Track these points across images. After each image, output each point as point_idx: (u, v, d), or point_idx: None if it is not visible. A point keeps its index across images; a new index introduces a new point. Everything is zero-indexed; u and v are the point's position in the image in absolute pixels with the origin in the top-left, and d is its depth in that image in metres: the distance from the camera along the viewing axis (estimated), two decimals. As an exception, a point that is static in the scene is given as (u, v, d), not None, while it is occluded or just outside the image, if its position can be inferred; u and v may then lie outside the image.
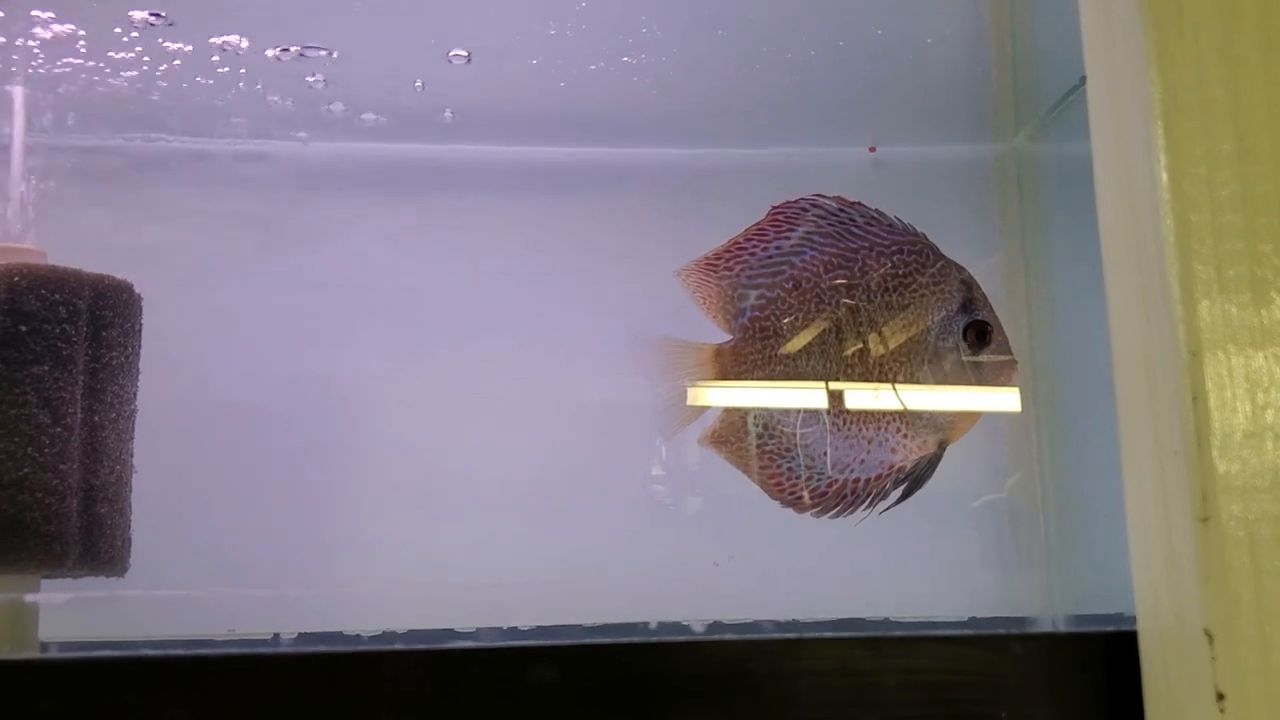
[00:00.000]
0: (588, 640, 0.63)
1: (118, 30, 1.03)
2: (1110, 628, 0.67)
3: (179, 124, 1.14)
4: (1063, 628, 1.07)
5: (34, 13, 0.99)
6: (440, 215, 1.18)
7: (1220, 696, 0.55)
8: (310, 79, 1.10)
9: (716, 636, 0.65)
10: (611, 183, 1.17)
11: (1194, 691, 0.56)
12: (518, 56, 1.07)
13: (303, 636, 1.09)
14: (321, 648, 0.65)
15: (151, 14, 1.00)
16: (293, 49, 1.06)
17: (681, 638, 0.68)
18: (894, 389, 1.01)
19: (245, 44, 1.04)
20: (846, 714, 0.66)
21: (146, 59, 1.06)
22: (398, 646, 0.69)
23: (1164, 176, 0.59)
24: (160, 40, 1.02)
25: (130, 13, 1.00)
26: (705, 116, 1.10)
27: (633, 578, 1.13)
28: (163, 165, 1.15)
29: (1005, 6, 1.10)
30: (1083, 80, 1.00)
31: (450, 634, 1.10)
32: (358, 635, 1.09)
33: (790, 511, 1.10)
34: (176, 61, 1.08)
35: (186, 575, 1.06)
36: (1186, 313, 0.58)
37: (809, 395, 1.02)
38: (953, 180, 1.17)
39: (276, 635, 1.08)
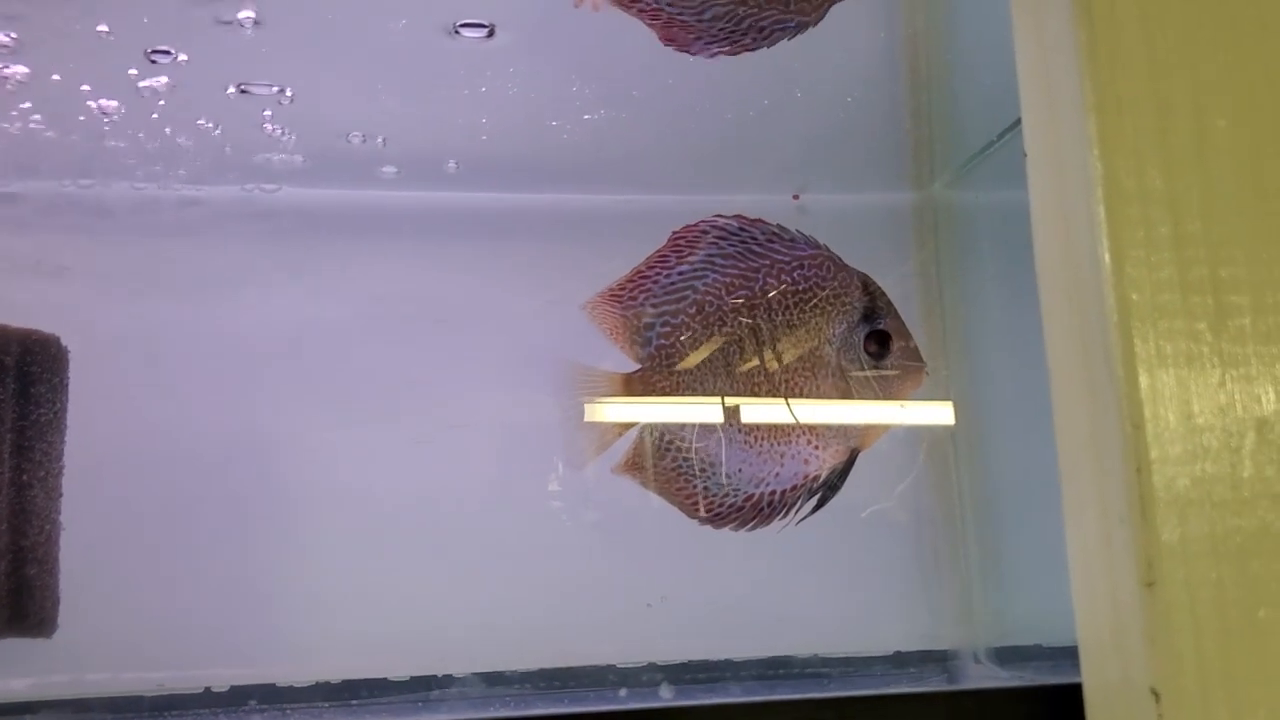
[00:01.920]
0: (564, 710, 0.64)
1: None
2: (1053, 680, 0.70)
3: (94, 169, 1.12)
4: (985, 661, 1.11)
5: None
6: (372, 262, 1.18)
7: (1168, 752, 0.58)
8: (266, 122, 1.09)
9: (686, 702, 0.67)
10: (547, 228, 1.18)
11: (1141, 747, 0.60)
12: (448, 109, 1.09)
13: (234, 690, 1.07)
14: None
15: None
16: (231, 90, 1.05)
17: (653, 705, 0.69)
18: (788, 405, 1.04)
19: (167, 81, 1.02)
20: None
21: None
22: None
23: (1107, 258, 0.63)
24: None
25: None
26: (639, 166, 1.12)
27: (567, 620, 1.13)
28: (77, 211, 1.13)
29: (921, 68, 1.14)
30: (999, 136, 1.06)
31: (385, 684, 1.10)
32: (290, 687, 1.09)
33: (707, 529, 1.13)
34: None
35: (115, 629, 1.04)
36: (1129, 386, 0.62)
37: (718, 415, 1.05)
38: (872, 225, 1.21)
39: (207, 689, 1.07)
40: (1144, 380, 0.62)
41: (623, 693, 0.93)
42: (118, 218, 1.14)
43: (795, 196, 1.18)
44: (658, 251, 1.05)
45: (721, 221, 1.04)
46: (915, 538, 1.19)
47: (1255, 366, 0.63)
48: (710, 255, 1.04)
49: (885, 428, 1.07)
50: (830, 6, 1.00)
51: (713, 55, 1.01)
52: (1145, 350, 0.62)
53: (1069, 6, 0.66)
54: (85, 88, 1.01)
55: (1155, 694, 0.59)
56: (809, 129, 1.15)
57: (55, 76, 0.99)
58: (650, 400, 1.06)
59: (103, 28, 0.94)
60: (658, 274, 1.05)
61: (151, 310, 1.11)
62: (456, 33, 1.01)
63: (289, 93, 1.05)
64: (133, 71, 1.00)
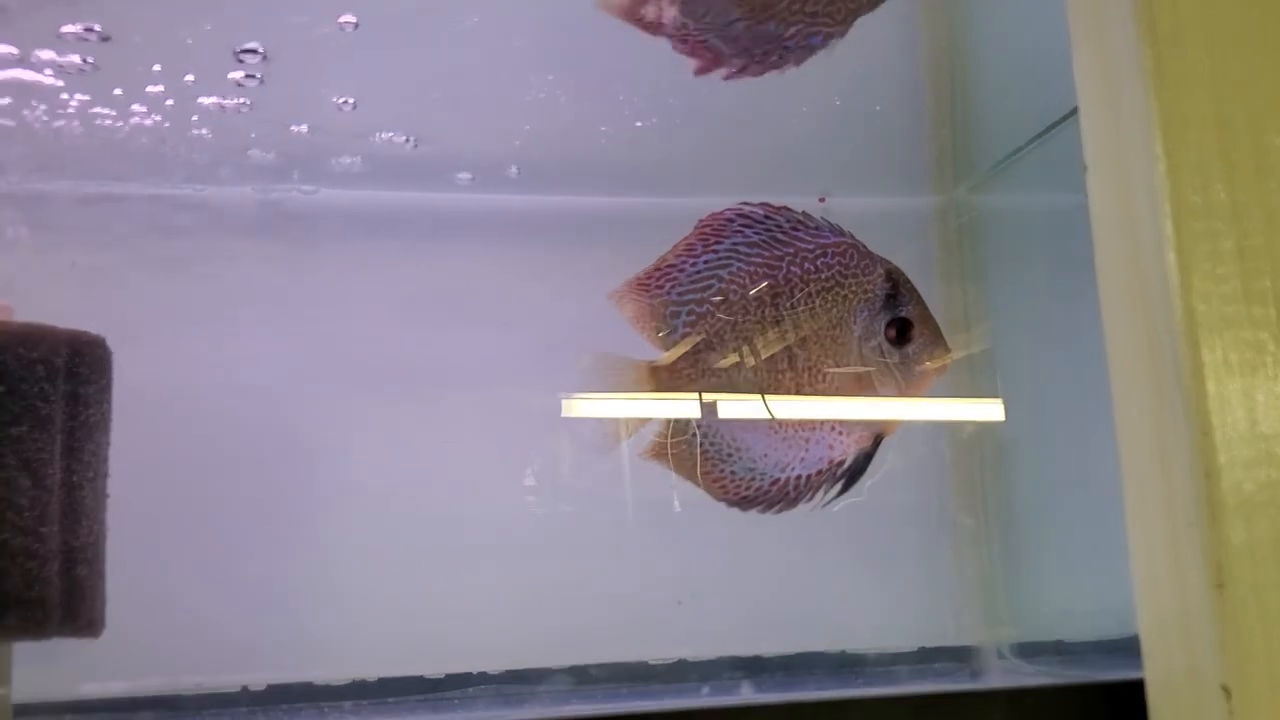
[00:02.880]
0: (645, 707, 0.66)
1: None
2: (1113, 677, 0.73)
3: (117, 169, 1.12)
4: (1009, 657, 1.14)
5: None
6: (401, 266, 1.19)
7: (1238, 746, 0.61)
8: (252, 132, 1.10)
9: (763, 699, 0.68)
10: (585, 228, 1.19)
11: (1211, 741, 0.62)
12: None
13: (271, 689, 1.08)
14: None
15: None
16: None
17: (734, 701, 0.71)
18: (764, 401, 1.06)
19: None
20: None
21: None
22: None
23: (1175, 270, 0.65)
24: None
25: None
26: (674, 171, 1.14)
27: (600, 616, 1.15)
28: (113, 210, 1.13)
29: (944, 78, 1.17)
30: (1028, 143, 1.08)
31: (420, 681, 1.11)
32: (327, 686, 1.10)
33: (735, 528, 1.15)
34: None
35: (153, 629, 1.04)
36: (1197, 394, 0.64)
37: (745, 402, 1.06)
38: (897, 227, 1.23)
39: (245, 688, 1.08)
40: (1211, 388, 0.64)
41: (705, 690, 0.96)
42: (158, 219, 1.14)
43: (821, 199, 1.20)
44: (684, 240, 1.07)
45: (747, 209, 1.06)
46: (940, 536, 1.21)
47: (1314, 376, 0.66)
48: (735, 244, 1.06)
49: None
50: (855, 19, 1.02)
51: (739, 77, 1.03)
52: (1212, 359, 0.64)
53: (1133, 26, 0.68)
54: (157, 88, 1.02)
55: (1226, 690, 0.61)
56: (836, 135, 1.17)
57: (117, 90, 1.00)
58: (684, 396, 1.07)
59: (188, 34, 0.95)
60: (684, 263, 1.06)
61: (185, 311, 1.11)
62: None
63: (350, 101, 1.06)
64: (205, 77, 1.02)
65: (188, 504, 1.10)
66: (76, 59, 0.97)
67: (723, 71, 1.02)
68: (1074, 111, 1.10)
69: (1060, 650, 1.13)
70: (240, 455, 1.13)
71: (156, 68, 1.01)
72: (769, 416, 1.06)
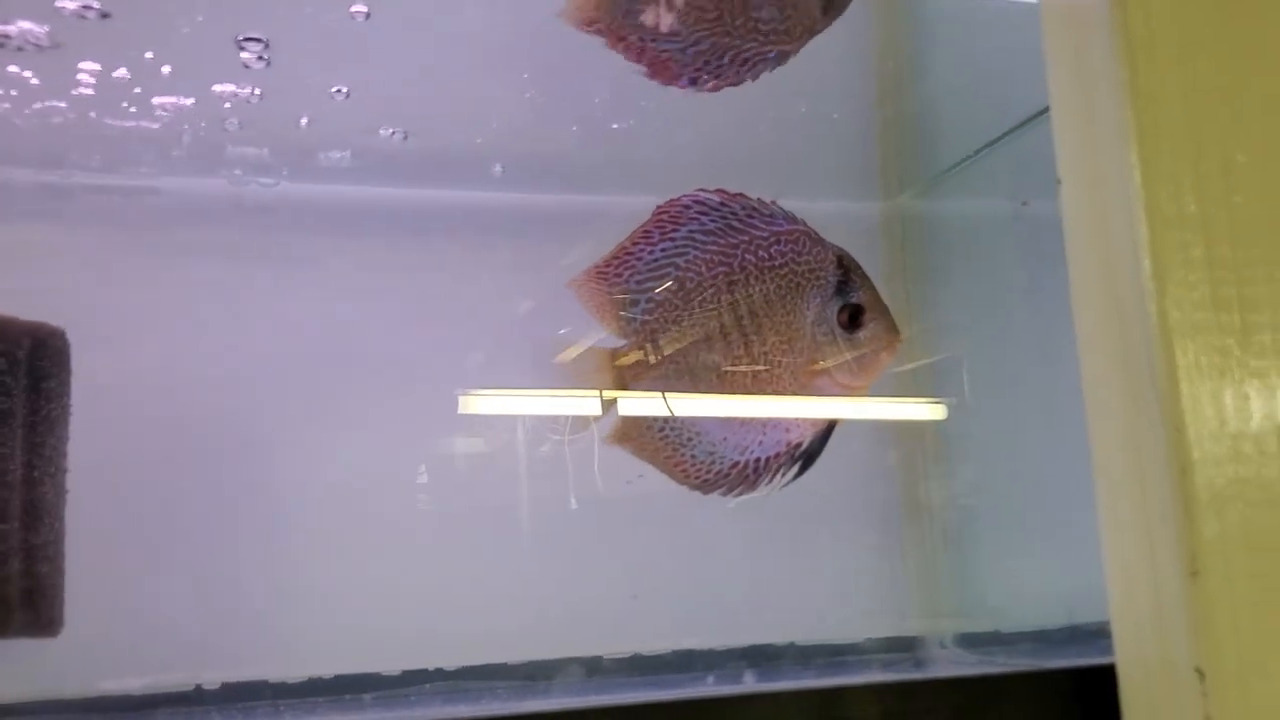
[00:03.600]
0: (654, 698, 0.67)
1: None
2: (1079, 663, 0.76)
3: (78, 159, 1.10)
4: (951, 647, 1.18)
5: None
6: (354, 260, 1.18)
7: (1211, 725, 0.65)
8: (226, 122, 1.08)
9: (766, 688, 0.71)
10: (546, 225, 1.20)
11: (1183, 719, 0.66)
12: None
13: (225, 687, 1.07)
14: None
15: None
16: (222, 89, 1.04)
17: (738, 689, 0.72)
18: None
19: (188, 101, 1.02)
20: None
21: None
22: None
23: (1150, 277, 0.69)
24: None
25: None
26: (647, 170, 1.15)
27: (555, 612, 1.16)
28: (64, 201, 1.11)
29: (892, 93, 1.21)
30: (972, 155, 1.12)
31: (377, 679, 1.11)
32: (283, 683, 1.09)
33: (688, 523, 1.18)
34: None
35: (103, 628, 1.02)
36: (1171, 395, 0.68)
37: (703, 388, 1.09)
38: (844, 230, 1.26)
39: (199, 687, 1.06)
40: (1184, 389, 0.68)
41: (710, 679, 0.98)
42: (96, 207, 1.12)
43: (771, 201, 1.22)
44: (642, 227, 1.08)
45: (704, 196, 1.08)
46: (885, 531, 1.25)
47: (1275, 379, 0.70)
48: (692, 231, 1.07)
49: (863, 394, 1.11)
50: (809, 38, 1.05)
51: (698, 90, 1.05)
52: (1185, 362, 0.68)
53: (1110, 41, 0.72)
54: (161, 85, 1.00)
55: (1200, 673, 0.65)
56: (789, 140, 1.20)
57: (121, 72, 0.98)
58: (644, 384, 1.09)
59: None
60: (642, 250, 1.08)
61: (151, 303, 1.09)
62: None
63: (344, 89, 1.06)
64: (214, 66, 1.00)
65: (141, 500, 1.08)
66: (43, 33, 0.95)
67: (682, 82, 1.05)
68: (1011, 130, 1.15)
69: (997, 640, 1.17)
70: (190, 450, 1.11)
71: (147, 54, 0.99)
72: (726, 404, 1.09)
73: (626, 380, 1.09)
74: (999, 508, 1.24)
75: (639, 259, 1.08)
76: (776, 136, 1.21)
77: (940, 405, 1.23)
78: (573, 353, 1.10)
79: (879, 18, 1.18)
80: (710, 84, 1.04)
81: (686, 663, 1.11)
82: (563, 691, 1.11)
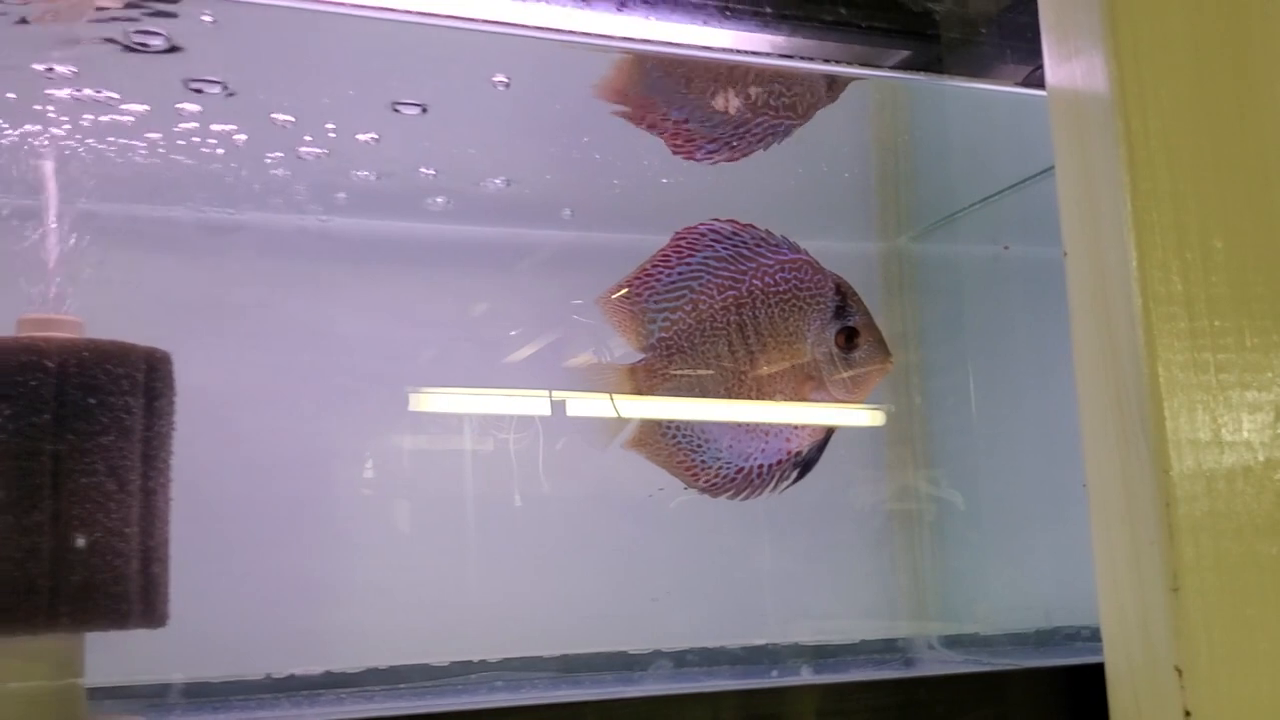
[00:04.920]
0: (728, 687, 0.80)
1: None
2: (1075, 660, 0.91)
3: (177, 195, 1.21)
4: (938, 648, 1.33)
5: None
6: (412, 287, 1.30)
7: (1187, 714, 0.79)
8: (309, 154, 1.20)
9: (822, 679, 0.84)
10: (608, 258, 1.32)
11: (1164, 712, 0.81)
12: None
13: (292, 677, 1.18)
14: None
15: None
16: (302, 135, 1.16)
17: (797, 681, 0.86)
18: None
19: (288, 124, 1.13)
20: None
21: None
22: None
23: (1143, 345, 0.84)
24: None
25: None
26: (686, 213, 1.27)
27: (584, 611, 1.29)
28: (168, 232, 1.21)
29: (890, 145, 1.36)
30: (966, 207, 1.27)
31: (427, 668, 1.23)
32: (343, 672, 1.20)
33: (705, 533, 1.31)
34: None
35: (184, 622, 1.12)
36: (1160, 443, 0.83)
37: (713, 399, 1.22)
38: (846, 269, 1.41)
39: (268, 675, 1.17)
40: (1170, 436, 0.83)
41: (774, 672, 1.11)
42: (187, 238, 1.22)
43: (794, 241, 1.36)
44: (660, 251, 1.21)
45: (718, 225, 1.21)
46: (877, 540, 1.40)
47: (1243, 430, 0.85)
48: (706, 258, 1.21)
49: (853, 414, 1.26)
50: (815, 111, 1.20)
51: (715, 162, 1.19)
52: (1171, 414, 0.83)
53: (1115, 147, 0.86)
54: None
55: (1179, 670, 0.80)
56: (801, 192, 1.34)
57: (234, 130, 1.09)
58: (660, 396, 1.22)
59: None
60: (660, 273, 1.21)
61: (230, 329, 1.20)
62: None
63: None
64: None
65: (217, 506, 1.18)
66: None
67: (700, 155, 1.19)
68: (1003, 190, 1.30)
69: (979, 642, 1.32)
70: (261, 461, 1.22)
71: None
72: (727, 412, 1.22)
73: (643, 391, 1.22)
74: (984, 516, 1.39)
75: (658, 280, 1.21)
76: (792, 187, 1.34)
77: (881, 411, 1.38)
78: (598, 369, 1.22)
79: (875, 96, 1.32)
80: (725, 156, 1.18)
81: (712, 659, 1.24)
82: (593, 683, 1.23)
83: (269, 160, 1.18)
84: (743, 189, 1.29)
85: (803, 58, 1.16)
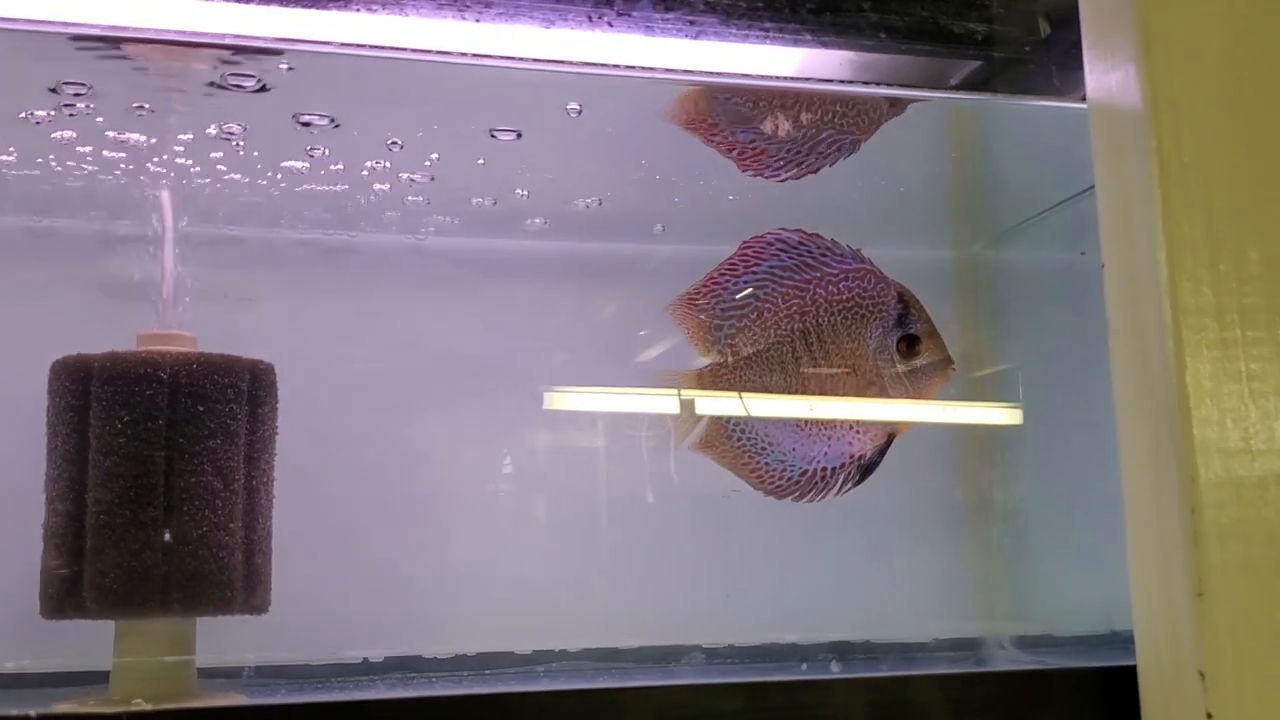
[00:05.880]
0: (763, 678, 0.86)
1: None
2: (1110, 663, 0.93)
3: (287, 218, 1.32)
4: (1009, 648, 1.35)
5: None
6: (505, 301, 1.39)
7: (1209, 716, 0.82)
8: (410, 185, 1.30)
9: (849, 675, 0.89)
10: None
11: (1188, 715, 0.83)
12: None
13: (387, 660, 1.27)
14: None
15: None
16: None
17: (825, 676, 0.91)
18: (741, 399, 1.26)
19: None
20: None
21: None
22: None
23: (1172, 354, 0.86)
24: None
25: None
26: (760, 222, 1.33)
27: (660, 606, 1.35)
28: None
29: (966, 152, 1.38)
30: (1034, 215, 1.29)
31: (511, 656, 1.31)
32: (434, 658, 1.29)
33: (774, 538, 1.36)
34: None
35: (286, 609, 1.22)
36: (1188, 451, 0.85)
37: (777, 404, 1.27)
38: (920, 276, 1.44)
39: (365, 659, 1.26)
40: (1198, 444, 0.85)
41: (804, 666, 1.17)
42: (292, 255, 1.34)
43: (858, 249, 1.40)
44: (728, 260, 1.26)
45: (784, 234, 1.25)
46: (951, 539, 1.43)
47: (1272, 439, 0.87)
48: (772, 267, 1.25)
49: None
50: (878, 127, 1.23)
51: (783, 180, 1.23)
52: (1199, 424, 0.85)
53: (1146, 161, 0.89)
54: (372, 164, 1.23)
55: (1202, 674, 0.82)
56: (876, 199, 1.38)
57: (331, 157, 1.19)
58: (728, 397, 1.27)
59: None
60: (727, 280, 1.26)
61: (331, 338, 1.30)
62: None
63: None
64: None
65: (313, 502, 1.29)
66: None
67: (767, 173, 1.24)
68: (1071, 197, 1.32)
69: (1051, 643, 1.34)
70: (362, 460, 1.32)
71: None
72: (798, 416, 1.27)
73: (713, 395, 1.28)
74: (1059, 518, 1.41)
75: (724, 288, 1.26)
76: (868, 197, 1.38)
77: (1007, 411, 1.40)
78: (668, 375, 1.29)
79: (950, 104, 1.34)
80: (792, 173, 1.23)
81: (780, 654, 1.29)
82: (663, 675, 1.29)
83: (381, 187, 1.27)
84: (820, 199, 1.34)
85: (864, 82, 1.20)
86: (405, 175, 1.27)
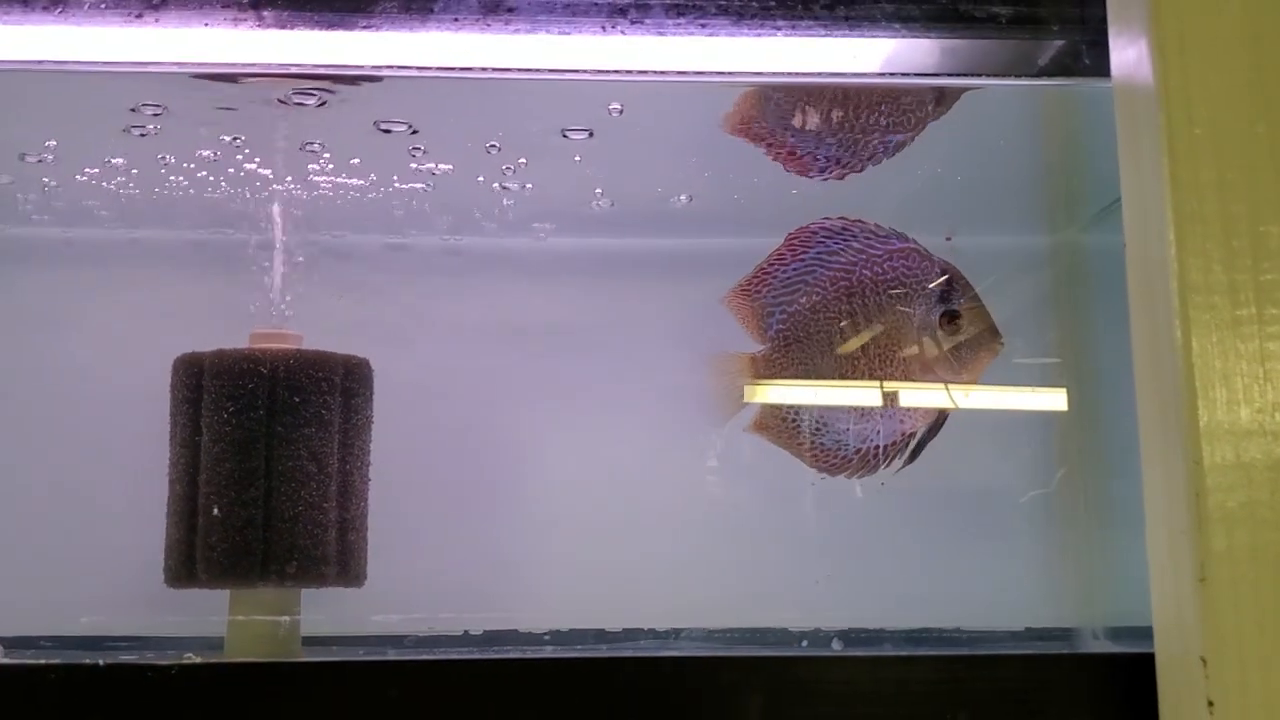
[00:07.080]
0: (771, 653, 0.89)
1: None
2: (1132, 649, 0.92)
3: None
4: (1102, 638, 1.32)
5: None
6: (585, 297, 1.47)
7: (1210, 704, 0.80)
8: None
9: (850, 653, 0.91)
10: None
11: (1192, 701, 0.82)
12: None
13: (486, 633, 1.36)
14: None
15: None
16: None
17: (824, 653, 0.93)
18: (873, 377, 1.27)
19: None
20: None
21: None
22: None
23: (1179, 334, 0.84)
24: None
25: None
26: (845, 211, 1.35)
27: (751, 590, 1.40)
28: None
29: (1057, 138, 1.35)
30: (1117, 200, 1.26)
31: (601, 633, 1.38)
32: (530, 632, 1.37)
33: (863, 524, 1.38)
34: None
35: (393, 583, 1.32)
36: (1193, 432, 0.83)
37: (830, 386, 1.28)
38: (1015, 263, 1.43)
39: (466, 632, 1.36)
40: (1204, 427, 0.83)
41: (804, 643, 1.20)
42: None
43: (948, 238, 1.40)
44: (776, 250, 1.30)
45: (829, 223, 1.28)
46: (1046, 527, 1.40)
47: (1293, 419, 0.84)
48: (819, 253, 1.28)
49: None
50: (924, 125, 1.23)
51: (826, 179, 1.26)
52: (1206, 407, 0.83)
53: (1157, 138, 0.87)
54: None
55: (1203, 660, 0.81)
56: (967, 186, 1.37)
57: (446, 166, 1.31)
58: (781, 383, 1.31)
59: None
60: (776, 269, 1.30)
61: (443, 333, 1.42)
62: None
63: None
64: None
65: (423, 486, 1.39)
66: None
67: (813, 173, 1.27)
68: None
69: (1146, 634, 1.30)
70: (470, 447, 1.42)
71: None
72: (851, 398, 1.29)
73: (763, 378, 1.32)
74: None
75: (774, 277, 1.30)
76: (958, 184, 1.38)
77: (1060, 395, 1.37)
78: (723, 358, 1.34)
79: (1047, 97, 1.32)
80: (836, 173, 1.26)
81: (864, 639, 1.31)
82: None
83: (473, 188, 1.37)
84: (903, 189, 1.35)
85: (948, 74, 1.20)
86: (497, 184, 1.36)
